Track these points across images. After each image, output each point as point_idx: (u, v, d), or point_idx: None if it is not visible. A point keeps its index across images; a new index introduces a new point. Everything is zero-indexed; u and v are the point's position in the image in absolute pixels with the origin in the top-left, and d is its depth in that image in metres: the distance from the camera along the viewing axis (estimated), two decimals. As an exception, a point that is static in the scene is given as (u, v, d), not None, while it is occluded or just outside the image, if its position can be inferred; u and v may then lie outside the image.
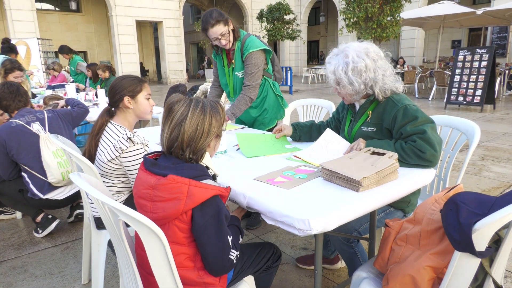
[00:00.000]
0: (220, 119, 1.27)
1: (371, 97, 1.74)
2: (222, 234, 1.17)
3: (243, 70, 2.58)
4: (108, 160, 1.77)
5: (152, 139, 2.30)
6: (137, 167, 1.79)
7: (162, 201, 1.13)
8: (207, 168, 1.28)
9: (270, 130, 2.72)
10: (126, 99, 1.83)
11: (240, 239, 1.38)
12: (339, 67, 1.68)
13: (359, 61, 1.64)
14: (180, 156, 1.22)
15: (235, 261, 1.25)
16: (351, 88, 1.70)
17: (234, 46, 2.54)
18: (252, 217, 2.86)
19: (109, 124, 1.84)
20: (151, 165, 1.21)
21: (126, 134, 1.78)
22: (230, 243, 1.21)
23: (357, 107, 1.86)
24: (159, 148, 2.04)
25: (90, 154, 1.82)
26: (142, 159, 1.78)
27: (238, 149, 2.01)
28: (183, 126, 1.19)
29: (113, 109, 1.88)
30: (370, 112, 1.77)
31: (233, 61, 2.59)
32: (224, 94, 2.98)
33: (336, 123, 2.09)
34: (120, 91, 1.83)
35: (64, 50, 6.94)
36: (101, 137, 1.82)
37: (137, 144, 1.79)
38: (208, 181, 1.17)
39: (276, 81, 2.81)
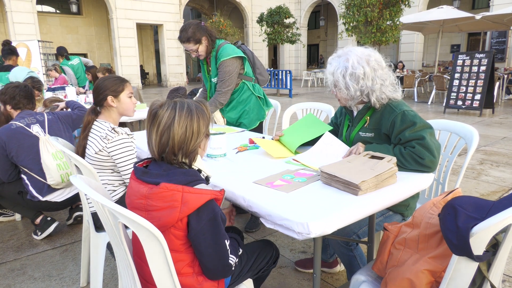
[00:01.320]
0: (207, 118, 1.25)
1: (368, 103, 1.75)
2: (219, 238, 1.17)
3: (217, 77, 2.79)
4: (96, 152, 1.86)
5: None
6: (125, 155, 1.89)
7: (157, 210, 1.12)
8: (199, 171, 1.27)
9: (253, 130, 2.89)
10: (109, 98, 1.95)
11: (240, 251, 1.38)
12: (338, 70, 1.70)
13: (358, 68, 1.65)
14: (172, 161, 1.21)
15: (233, 268, 1.24)
16: (347, 92, 1.71)
17: (210, 55, 2.77)
18: (251, 220, 2.87)
19: (95, 122, 1.95)
20: (142, 174, 1.18)
21: (110, 126, 1.91)
22: (228, 247, 1.20)
23: (355, 112, 1.86)
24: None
25: (80, 153, 1.91)
26: (129, 149, 1.88)
27: (238, 152, 2.02)
28: (172, 130, 1.17)
29: (98, 108, 2.00)
30: (368, 118, 1.77)
31: (210, 68, 2.83)
32: None
33: (335, 128, 2.09)
34: (103, 91, 1.95)
35: (58, 51, 7.07)
36: (88, 134, 1.93)
37: (122, 134, 1.90)
38: (202, 186, 1.16)
39: (259, 83, 2.98)
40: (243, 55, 2.79)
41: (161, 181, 1.12)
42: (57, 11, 20.95)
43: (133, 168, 1.26)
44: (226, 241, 1.20)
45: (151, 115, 1.21)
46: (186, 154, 1.22)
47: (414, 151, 1.58)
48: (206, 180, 1.27)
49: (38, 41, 10.84)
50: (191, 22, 2.64)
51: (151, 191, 1.12)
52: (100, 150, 1.86)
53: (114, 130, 1.89)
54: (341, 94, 1.75)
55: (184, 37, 2.59)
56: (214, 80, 2.83)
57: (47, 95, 5.10)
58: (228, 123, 3.00)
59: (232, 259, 1.23)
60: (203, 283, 1.21)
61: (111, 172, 1.95)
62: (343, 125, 1.96)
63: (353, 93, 1.69)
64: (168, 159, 1.21)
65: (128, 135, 1.92)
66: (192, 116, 1.20)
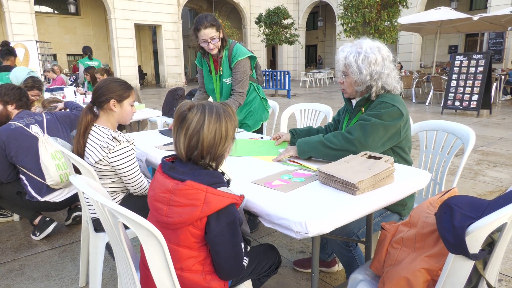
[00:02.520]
0: (234, 122, 1.26)
1: (366, 95, 1.79)
2: (236, 241, 1.19)
3: (230, 77, 2.68)
4: (96, 162, 1.79)
5: (150, 143, 2.31)
6: (127, 164, 1.82)
7: (179, 206, 1.14)
8: (222, 173, 1.28)
9: (256, 131, 2.87)
10: (112, 102, 1.86)
11: (248, 247, 1.39)
12: (351, 55, 1.76)
13: (371, 53, 1.72)
14: (199, 162, 1.22)
15: (245, 267, 1.27)
16: (359, 76, 1.75)
17: (221, 53, 2.63)
18: (249, 220, 2.87)
19: (93, 127, 1.86)
20: (169, 169, 1.20)
21: (111, 134, 1.81)
22: (243, 249, 1.23)
23: (354, 104, 1.91)
24: (157, 152, 2.06)
25: (79, 154, 1.82)
26: (131, 157, 1.83)
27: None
28: (202, 134, 1.18)
29: (95, 107, 1.89)
30: (363, 109, 1.81)
31: (221, 68, 2.67)
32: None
33: (336, 125, 2.12)
34: (108, 93, 1.85)
35: (83, 50, 7.70)
36: (87, 138, 1.83)
37: (123, 142, 1.81)
38: (224, 189, 1.18)
39: (259, 84, 2.94)
40: (255, 56, 2.74)
41: (187, 179, 1.14)
42: (55, 12, 20.93)
43: (160, 162, 1.27)
44: (242, 243, 1.22)
45: (180, 117, 1.21)
46: (214, 157, 1.23)
47: (349, 128, 1.64)
48: (228, 183, 1.28)
49: (36, 41, 10.84)
50: (206, 13, 2.52)
51: (176, 187, 1.14)
52: (100, 160, 1.79)
53: (115, 139, 1.79)
54: (352, 78, 1.78)
55: (208, 22, 2.42)
56: (226, 80, 2.71)
57: (45, 95, 5.10)
58: None
59: (246, 261, 1.26)
60: (211, 282, 1.23)
61: (111, 183, 1.90)
62: (344, 119, 2.00)
63: (364, 76, 1.73)
64: (194, 161, 1.22)
65: (128, 142, 1.85)
66: (221, 120, 1.21)
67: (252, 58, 2.72)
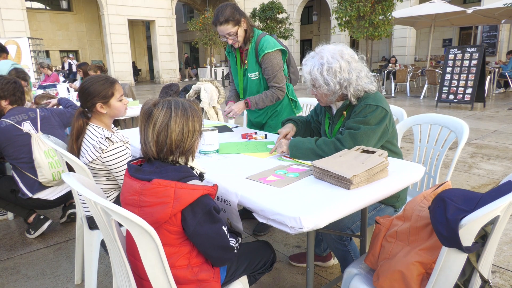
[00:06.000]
0: (200, 117, 1.27)
1: (347, 101, 1.75)
2: (216, 227, 1.19)
3: (256, 72, 2.47)
4: (90, 161, 1.78)
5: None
6: (120, 164, 1.81)
7: (149, 206, 1.13)
8: (192, 168, 1.28)
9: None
10: (98, 105, 1.83)
11: (240, 240, 1.38)
12: (315, 68, 1.70)
13: (334, 62, 1.66)
14: (168, 159, 1.22)
15: (235, 250, 1.27)
16: (327, 88, 1.70)
17: (247, 45, 2.43)
18: (260, 223, 2.69)
19: (88, 127, 1.84)
20: (135, 171, 1.20)
21: (104, 135, 1.79)
22: (226, 232, 1.23)
23: (334, 110, 1.87)
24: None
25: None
26: (125, 156, 1.82)
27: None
28: (169, 128, 1.18)
29: (86, 109, 1.87)
30: (345, 112, 1.79)
31: (246, 61, 2.47)
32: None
33: (316, 124, 2.09)
34: (91, 97, 1.81)
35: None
36: (82, 140, 1.82)
37: (116, 142, 1.80)
38: (194, 182, 1.17)
39: (291, 82, 2.71)
40: (286, 49, 2.50)
41: (153, 178, 1.13)
42: (47, 8, 20.70)
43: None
44: (223, 227, 1.22)
45: (146, 115, 1.21)
46: (183, 152, 1.23)
47: (340, 138, 1.62)
48: (201, 176, 1.28)
49: (28, 38, 10.72)
50: (226, 3, 2.32)
51: (144, 187, 1.14)
52: (94, 160, 1.78)
53: (108, 139, 1.77)
54: (322, 91, 1.74)
55: (222, 18, 2.23)
56: (251, 75, 2.48)
57: (38, 92, 5.05)
58: (252, 127, 2.75)
59: (233, 242, 1.26)
60: (199, 274, 1.23)
61: (106, 180, 1.90)
62: (324, 122, 1.96)
63: (333, 87, 1.69)
64: (164, 158, 1.22)
65: (122, 141, 1.83)
66: (187, 115, 1.21)
67: (283, 52, 2.46)
